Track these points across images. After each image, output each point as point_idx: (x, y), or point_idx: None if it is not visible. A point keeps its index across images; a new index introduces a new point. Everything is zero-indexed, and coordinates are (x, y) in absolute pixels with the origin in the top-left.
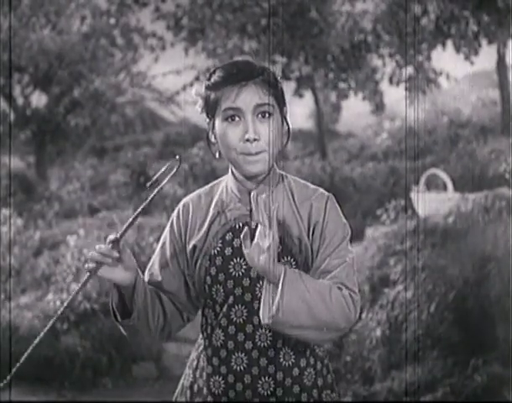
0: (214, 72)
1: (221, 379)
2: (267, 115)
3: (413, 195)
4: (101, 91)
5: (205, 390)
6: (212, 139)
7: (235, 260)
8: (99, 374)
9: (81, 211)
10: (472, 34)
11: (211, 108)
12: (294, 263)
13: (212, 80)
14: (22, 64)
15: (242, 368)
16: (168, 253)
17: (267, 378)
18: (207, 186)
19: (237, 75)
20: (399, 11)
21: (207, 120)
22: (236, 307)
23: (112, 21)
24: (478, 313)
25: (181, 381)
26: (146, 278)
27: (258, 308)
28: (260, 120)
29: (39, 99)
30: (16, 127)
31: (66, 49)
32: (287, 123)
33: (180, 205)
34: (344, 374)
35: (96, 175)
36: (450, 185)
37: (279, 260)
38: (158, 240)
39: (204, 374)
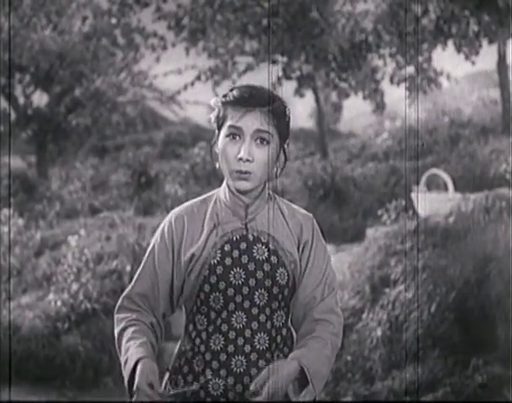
0: (231, 90)
1: (220, 381)
2: (265, 142)
3: (414, 195)
4: (102, 90)
5: (202, 393)
6: (216, 150)
7: (235, 270)
8: (100, 374)
9: (82, 211)
10: (473, 33)
11: (219, 122)
12: (286, 274)
13: (227, 97)
14: (23, 63)
15: (241, 370)
16: (157, 261)
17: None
18: (198, 199)
19: (247, 99)
20: (400, 11)
21: (216, 132)
22: (236, 313)
23: (114, 21)
24: (479, 313)
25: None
26: (136, 288)
27: (257, 314)
28: (257, 144)
29: (40, 99)
30: (17, 126)
31: (67, 48)
32: (284, 155)
33: (173, 217)
34: (345, 374)
35: (97, 174)
36: (450, 186)
37: (275, 271)
38: None
39: (201, 378)
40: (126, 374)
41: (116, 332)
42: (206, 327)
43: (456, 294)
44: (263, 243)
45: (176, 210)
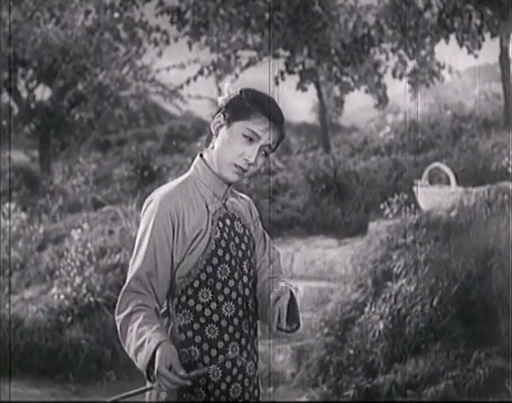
0: (256, 95)
1: (219, 368)
2: (266, 154)
3: (416, 189)
4: (105, 84)
5: (203, 380)
6: (218, 132)
7: (232, 243)
8: (103, 367)
9: (85, 205)
10: (475, 27)
11: (238, 113)
12: (253, 246)
13: (258, 97)
14: (26, 58)
15: (231, 315)
16: (157, 245)
17: (252, 362)
18: (178, 182)
19: (275, 114)
20: (402, 5)
21: (223, 116)
22: (240, 282)
23: (116, 15)
24: (481, 307)
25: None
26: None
27: (247, 281)
28: (261, 154)
29: (43, 93)
30: (20, 121)
31: (70, 43)
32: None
33: (163, 199)
34: (347, 367)
35: (100, 168)
36: (453, 179)
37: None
38: None
39: (199, 365)
40: (143, 358)
41: (121, 315)
42: (211, 300)
43: (458, 287)
44: (238, 220)
45: (162, 193)
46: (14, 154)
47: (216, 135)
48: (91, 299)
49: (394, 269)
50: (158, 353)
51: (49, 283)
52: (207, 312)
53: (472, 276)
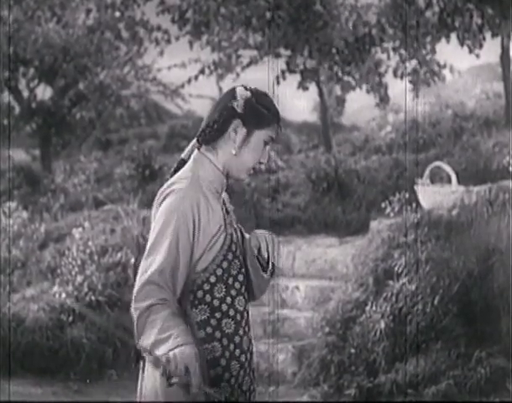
0: (271, 103)
1: (236, 362)
2: None
3: (417, 187)
4: (106, 84)
5: (226, 375)
6: (237, 139)
7: (235, 236)
8: (104, 366)
9: (87, 203)
10: (476, 26)
11: (259, 122)
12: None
13: (269, 100)
14: (27, 57)
15: (249, 347)
16: (180, 242)
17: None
18: (190, 180)
19: (279, 114)
20: (403, 4)
21: (245, 128)
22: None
23: (117, 14)
24: (482, 306)
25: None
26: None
27: (248, 292)
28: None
29: (44, 92)
30: (21, 120)
31: (71, 42)
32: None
33: (186, 196)
34: (348, 366)
35: (102, 167)
36: (454, 178)
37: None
38: None
39: (222, 360)
40: (165, 350)
41: (140, 304)
42: (225, 295)
43: (459, 286)
44: (232, 213)
45: (181, 187)
46: (15, 153)
47: (234, 141)
48: (93, 297)
49: (396, 268)
50: (178, 351)
51: (50, 281)
52: (224, 307)
53: (473, 275)
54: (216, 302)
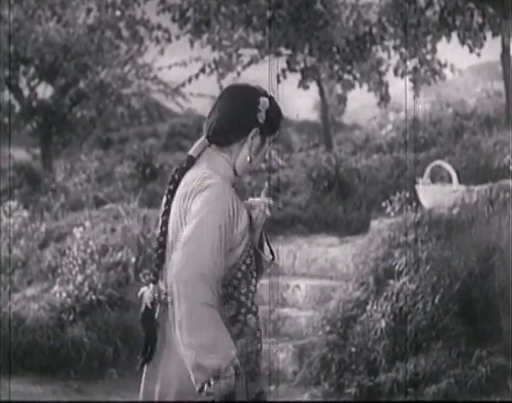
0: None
1: (260, 357)
2: None
3: (418, 187)
4: (106, 82)
5: (256, 369)
6: (253, 146)
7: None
8: (105, 365)
9: (87, 203)
10: (477, 25)
11: (273, 129)
12: None
13: (279, 106)
14: (28, 56)
15: (261, 346)
16: (223, 238)
17: None
18: (220, 176)
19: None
20: (404, 3)
21: (261, 135)
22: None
23: (118, 13)
24: (483, 305)
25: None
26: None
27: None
28: None
29: (44, 91)
30: (22, 119)
31: (72, 41)
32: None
33: (226, 192)
34: (349, 365)
35: (102, 166)
36: (454, 177)
37: None
38: None
39: (252, 355)
40: (226, 346)
41: (204, 300)
42: (247, 291)
43: (459, 285)
44: None
45: (220, 183)
46: (16, 152)
47: (250, 148)
48: (93, 297)
49: (396, 267)
50: (227, 362)
51: (51, 281)
52: (249, 303)
53: (473, 274)
54: (242, 298)
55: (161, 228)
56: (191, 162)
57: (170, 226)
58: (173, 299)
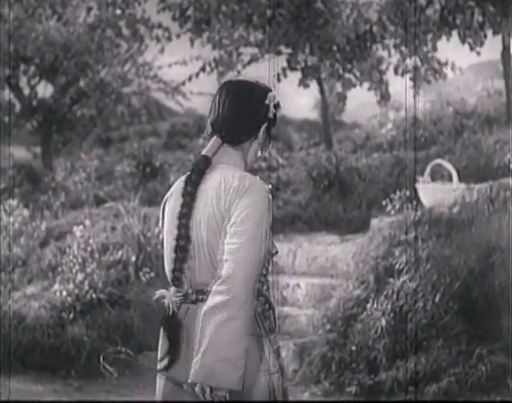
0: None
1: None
2: None
3: (418, 185)
4: (107, 81)
5: (283, 364)
6: (261, 141)
7: None
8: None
9: (87, 201)
10: (478, 24)
11: (274, 123)
12: None
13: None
14: (28, 55)
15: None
16: (264, 235)
17: None
18: (258, 177)
19: None
20: (405, 1)
21: (267, 126)
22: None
23: (118, 12)
24: (483, 303)
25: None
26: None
27: None
28: None
29: (44, 90)
30: (22, 117)
31: (72, 39)
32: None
33: (266, 189)
34: (349, 364)
35: (102, 165)
36: (455, 176)
37: None
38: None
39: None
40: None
41: (252, 310)
42: (267, 288)
43: (460, 284)
44: None
45: (259, 181)
46: (16, 151)
47: (259, 143)
48: (94, 295)
49: (396, 266)
50: (234, 386)
51: (51, 279)
52: (271, 299)
53: (474, 273)
54: (267, 293)
55: (180, 231)
56: (208, 162)
57: (203, 227)
58: (228, 300)
